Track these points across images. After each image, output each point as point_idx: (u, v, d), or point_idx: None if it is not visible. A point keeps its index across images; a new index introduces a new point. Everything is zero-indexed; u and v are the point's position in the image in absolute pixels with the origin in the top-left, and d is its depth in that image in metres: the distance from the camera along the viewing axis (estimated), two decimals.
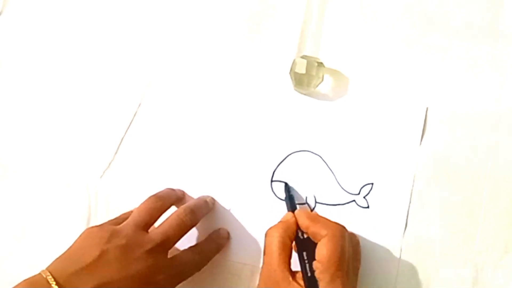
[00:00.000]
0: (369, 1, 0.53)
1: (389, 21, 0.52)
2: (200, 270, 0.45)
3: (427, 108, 0.50)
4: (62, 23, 0.56)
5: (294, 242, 0.43)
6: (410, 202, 0.48)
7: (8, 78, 0.56)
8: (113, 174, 0.52)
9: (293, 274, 0.41)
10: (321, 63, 0.50)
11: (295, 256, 0.43)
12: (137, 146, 0.52)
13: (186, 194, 0.50)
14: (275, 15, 0.54)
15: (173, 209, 0.46)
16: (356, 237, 0.46)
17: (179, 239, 0.44)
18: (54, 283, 0.38)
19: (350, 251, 0.42)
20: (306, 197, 0.49)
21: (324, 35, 0.53)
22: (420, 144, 0.49)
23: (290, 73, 0.51)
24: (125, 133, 0.52)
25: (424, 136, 0.49)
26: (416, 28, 0.52)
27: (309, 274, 0.40)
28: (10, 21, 0.57)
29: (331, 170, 0.50)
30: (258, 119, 0.51)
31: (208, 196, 0.49)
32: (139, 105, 0.53)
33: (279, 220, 0.45)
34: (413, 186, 0.48)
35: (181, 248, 0.46)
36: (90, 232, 0.42)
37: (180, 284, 0.44)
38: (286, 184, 0.49)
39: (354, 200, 0.49)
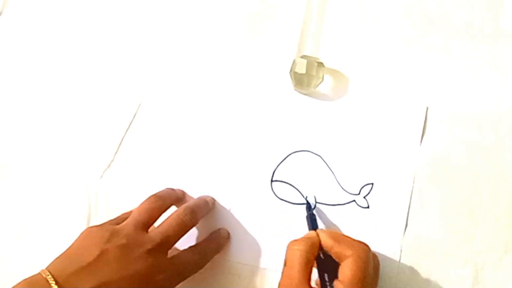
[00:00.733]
0: (369, 1, 0.53)
1: (389, 21, 0.52)
2: (200, 270, 0.45)
3: (427, 108, 0.50)
4: (62, 23, 0.56)
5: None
6: (410, 202, 0.48)
7: (8, 78, 0.56)
8: (113, 174, 0.52)
9: None
10: (321, 63, 0.50)
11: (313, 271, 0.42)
12: (137, 146, 0.52)
13: (186, 194, 0.50)
14: (275, 15, 0.54)
15: (173, 209, 0.46)
16: (377, 258, 0.44)
17: (179, 239, 0.44)
18: (54, 282, 0.38)
19: (372, 272, 0.41)
20: (306, 197, 0.49)
21: (324, 35, 0.53)
22: (420, 144, 0.49)
23: (290, 73, 0.51)
24: (125, 133, 0.52)
25: (424, 136, 0.49)
26: (416, 28, 0.52)
27: None
28: (10, 21, 0.57)
29: (331, 170, 0.50)
30: (258, 119, 0.51)
31: (208, 196, 0.49)
32: (139, 105, 0.53)
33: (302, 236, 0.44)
34: (413, 186, 0.48)
35: (181, 248, 0.46)
36: (90, 232, 0.42)
37: (180, 284, 0.43)
38: (308, 202, 0.48)
39: (354, 200, 0.49)
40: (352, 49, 0.52)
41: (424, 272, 0.46)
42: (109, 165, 0.52)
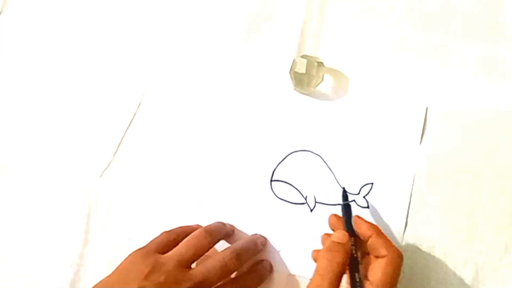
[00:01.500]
0: (369, 1, 0.53)
1: (389, 21, 0.52)
2: None
3: (427, 108, 0.50)
4: (62, 23, 0.56)
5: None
6: (410, 202, 0.48)
7: (8, 78, 0.56)
8: (113, 174, 0.51)
9: None
10: (321, 63, 0.50)
11: None
12: (136, 146, 0.52)
13: (235, 229, 0.49)
14: (275, 15, 0.54)
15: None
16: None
17: (218, 282, 0.42)
18: None
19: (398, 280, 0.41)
20: (306, 197, 0.49)
21: (324, 35, 0.53)
22: (420, 144, 0.49)
23: (290, 73, 0.51)
24: (124, 133, 0.52)
25: (424, 136, 0.49)
26: (416, 28, 0.52)
27: None
28: (10, 21, 0.57)
29: (331, 170, 0.50)
30: (258, 119, 0.51)
31: (260, 237, 0.48)
32: (139, 105, 0.53)
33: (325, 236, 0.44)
34: (413, 186, 0.48)
35: None
36: (134, 259, 0.42)
37: None
38: (344, 189, 0.48)
39: (354, 200, 0.48)
40: (352, 49, 0.52)
41: (424, 272, 0.46)
42: (108, 165, 0.52)
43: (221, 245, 0.46)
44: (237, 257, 0.43)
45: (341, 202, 0.47)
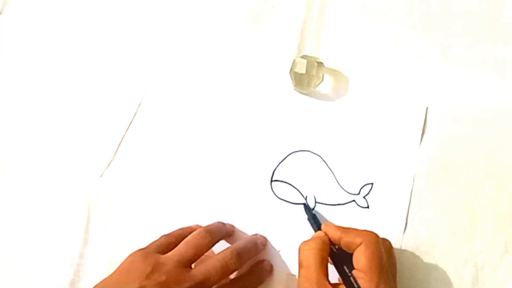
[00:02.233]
0: (369, 1, 0.53)
1: (389, 21, 0.52)
2: None
3: (427, 108, 0.50)
4: (62, 23, 0.56)
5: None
6: (410, 202, 0.48)
7: (8, 78, 0.56)
8: (113, 173, 0.52)
9: (334, 286, 0.40)
10: (321, 63, 0.50)
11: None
12: (137, 146, 0.52)
13: (236, 228, 0.49)
14: (275, 15, 0.54)
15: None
16: (387, 241, 0.44)
17: (219, 281, 0.43)
18: None
19: (385, 255, 0.41)
20: (306, 197, 0.49)
21: (324, 35, 0.53)
22: (420, 144, 0.49)
23: (290, 73, 0.51)
24: (125, 133, 0.52)
25: (424, 136, 0.49)
26: (416, 28, 0.52)
27: (355, 286, 0.40)
28: (10, 21, 0.57)
29: (331, 170, 0.50)
30: (258, 119, 0.51)
31: (260, 238, 0.48)
32: (139, 105, 0.53)
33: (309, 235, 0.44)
34: (413, 186, 0.48)
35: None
36: (134, 259, 0.42)
37: None
38: (305, 204, 0.48)
39: (354, 200, 0.49)
40: (352, 49, 0.52)
41: (424, 272, 0.46)
42: (108, 165, 0.52)
43: (221, 245, 0.46)
44: (238, 257, 0.43)
45: (341, 202, 0.47)
